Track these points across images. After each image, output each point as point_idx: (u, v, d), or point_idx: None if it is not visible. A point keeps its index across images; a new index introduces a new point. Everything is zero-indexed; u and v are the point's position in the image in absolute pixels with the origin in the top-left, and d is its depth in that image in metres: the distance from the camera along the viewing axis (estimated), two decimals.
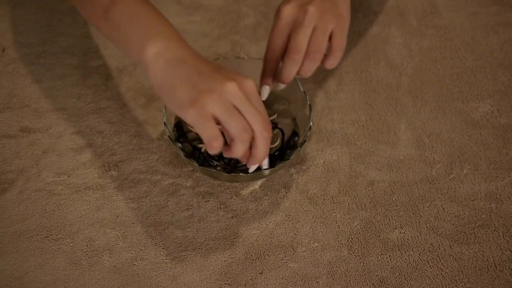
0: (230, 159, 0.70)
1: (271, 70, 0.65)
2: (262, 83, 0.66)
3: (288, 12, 0.63)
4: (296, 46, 0.62)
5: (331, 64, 0.65)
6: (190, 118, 0.55)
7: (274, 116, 0.74)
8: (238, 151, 0.57)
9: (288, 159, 0.67)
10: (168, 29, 0.60)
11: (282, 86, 0.66)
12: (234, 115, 0.55)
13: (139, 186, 0.73)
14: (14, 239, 0.68)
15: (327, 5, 0.63)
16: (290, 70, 0.63)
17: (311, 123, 0.69)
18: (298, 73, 0.64)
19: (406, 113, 0.82)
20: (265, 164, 0.64)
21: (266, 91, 0.67)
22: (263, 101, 0.62)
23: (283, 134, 0.73)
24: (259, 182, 0.74)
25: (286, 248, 0.68)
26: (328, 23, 0.63)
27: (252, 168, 0.62)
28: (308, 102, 0.71)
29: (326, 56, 0.65)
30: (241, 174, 0.67)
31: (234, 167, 0.70)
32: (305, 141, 0.69)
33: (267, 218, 0.71)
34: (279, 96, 0.76)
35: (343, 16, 0.65)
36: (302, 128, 0.72)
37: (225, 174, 0.66)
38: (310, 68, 0.64)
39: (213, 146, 0.56)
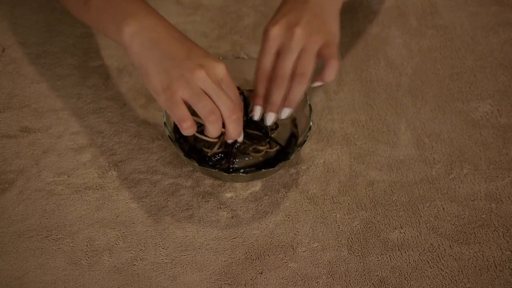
0: (225, 156, 0.69)
1: (261, 90, 0.65)
2: (254, 103, 0.66)
3: (276, 33, 0.63)
4: (281, 73, 0.63)
5: (329, 76, 0.64)
6: (162, 103, 0.60)
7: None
8: (209, 131, 0.61)
9: (288, 159, 0.67)
10: (144, 9, 0.62)
11: (287, 111, 0.65)
12: (201, 97, 0.59)
13: (139, 186, 0.73)
14: (14, 239, 0.68)
15: (315, 24, 0.63)
16: (277, 95, 0.64)
17: (311, 123, 0.69)
18: (287, 97, 0.64)
19: (406, 113, 0.82)
20: (240, 138, 0.65)
21: (258, 111, 0.66)
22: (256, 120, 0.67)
23: (278, 143, 0.72)
24: (259, 182, 0.74)
25: (286, 248, 0.68)
26: (315, 43, 0.63)
27: (230, 141, 0.65)
28: (308, 102, 0.71)
29: (323, 71, 0.65)
30: (241, 174, 0.67)
31: (232, 161, 0.69)
32: (305, 141, 0.69)
33: (267, 218, 0.71)
34: None
35: (332, 32, 0.65)
36: (302, 128, 0.72)
37: (225, 174, 0.66)
38: (298, 91, 0.63)
39: (182, 127, 0.59)
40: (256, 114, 0.66)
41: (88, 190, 0.72)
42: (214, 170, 0.65)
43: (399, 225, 0.71)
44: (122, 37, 0.61)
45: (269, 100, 0.65)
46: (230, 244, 0.69)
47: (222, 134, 0.68)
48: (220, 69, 0.60)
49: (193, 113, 0.61)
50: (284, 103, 0.65)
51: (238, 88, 0.75)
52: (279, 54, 0.63)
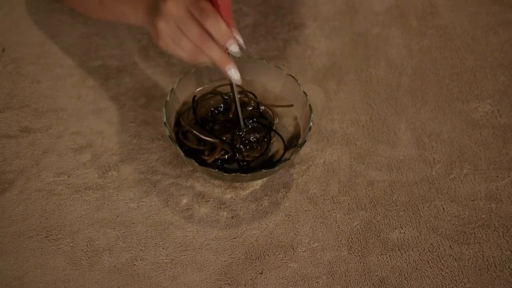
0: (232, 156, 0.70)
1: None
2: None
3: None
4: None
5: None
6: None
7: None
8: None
9: (288, 159, 0.67)
10: None
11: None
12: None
13: (139, 186, 0.73)
14: (14, 239, 0.68)
15: None
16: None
17: (311, 124, 0.69)
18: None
19: (406, 113, 0.82)
20: (237, 78, 0.63)
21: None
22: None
23: (280, 135, 0.73)
24: (259, 182, 0.74)
25: (286, 248, 0.68)
26: None
27: (232, 47, 0.62)
28: (308, 103, 0.71)
29: None
30: (241, 174, 0.67)
31: (235, 152, 0.70)
32: (305, 141, 0.69)
33: (267, 218, 0.71)
34: (280, 97, 0.76)
35: None
36: (302, 128, 0.72)
37: (225, 174, 0.66)
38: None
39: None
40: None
41: (88, 190, 0.72)
42: (214, 170, 0.66)
43: (399, 225, 0.71)
44: (141, 18, 0.64)
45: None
46: (230, 244, 0.69)
47: (220, 143, 0.69)
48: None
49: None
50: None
51: (241, 87, 0.75)
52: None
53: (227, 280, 0.66)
